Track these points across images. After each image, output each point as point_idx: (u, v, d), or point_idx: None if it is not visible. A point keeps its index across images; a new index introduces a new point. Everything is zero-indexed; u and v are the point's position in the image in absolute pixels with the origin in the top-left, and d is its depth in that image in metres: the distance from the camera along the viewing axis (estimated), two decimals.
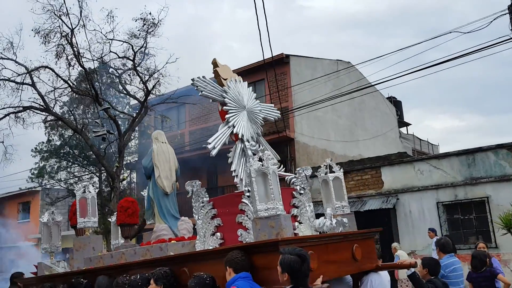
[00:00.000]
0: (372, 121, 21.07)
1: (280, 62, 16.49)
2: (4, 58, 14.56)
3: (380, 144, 20.51)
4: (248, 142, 4.21)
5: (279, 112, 4.98)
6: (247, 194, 3.75)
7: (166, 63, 16.07)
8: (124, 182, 14.71)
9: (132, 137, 15.67)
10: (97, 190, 5.92)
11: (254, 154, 4.06)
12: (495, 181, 11.81)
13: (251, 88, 4.69)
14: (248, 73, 17.13)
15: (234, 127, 4.17)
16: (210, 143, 3.97)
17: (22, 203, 26.16)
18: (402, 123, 26.56)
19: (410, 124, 28.39)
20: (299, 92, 15.05)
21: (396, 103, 25.64)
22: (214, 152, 3.96)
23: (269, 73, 16.91)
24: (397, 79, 12.23)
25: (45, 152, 17.84)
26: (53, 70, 14.78)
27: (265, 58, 10.21)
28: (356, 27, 74.38)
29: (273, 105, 5.07)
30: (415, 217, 12.97)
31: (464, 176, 12.32)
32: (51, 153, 17.86)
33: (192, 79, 4.14)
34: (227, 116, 4.20)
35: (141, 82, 15.43)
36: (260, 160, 3.54)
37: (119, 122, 15.46)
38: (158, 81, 15.61)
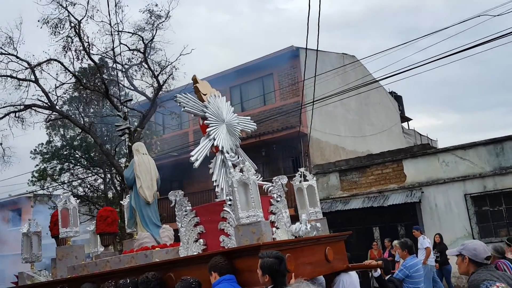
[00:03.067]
0: (377, 116, 22.18)
1: (290, 55, 17.30)
2: (4, 54, 15.19)
3: (385, 139, 21.48)
4: (228, 153, 5.05)
5: (255, 124, 5.79)
6: (229, 202, 4.56)
7: (180, 54, 15.98)
8: None
9: (141, 135, 16.34)
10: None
11: (234, 166, 4.92)
12: None
13: (229, 102, 5.52)
14: (253, 68, 17.96)
15: (214, 139, 5.02)
16: (193, 156, 4.84)
17: (13, 210, 27.75)
18: (403, 118, 27.76)
19: (411, 119, 29.63)
20: (310, 86, 15.87)
21: (397, 98, 26.83)
22: (197, 164, 4.81)
23: (278, 68, 17.72)
24: (398, 75, 12.86)
25: (45, 154, 18.95)
26: (61, 63, 15.41)
27: (307, 46, 10.82)
28: (333, 29, 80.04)
29: (249, 117, 5.90)
30: (441, 210, 13.62)
31: (493, 166, 12.87)
32: (52, 155, 18.86)
33: (175, 96, 5.01)
34: (207, 129, 5.05)
35: (152, 76, 16.20)
36: (241, 171, 4.37)
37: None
38: (171, 74, 16.29)
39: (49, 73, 15.91)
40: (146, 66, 16.37)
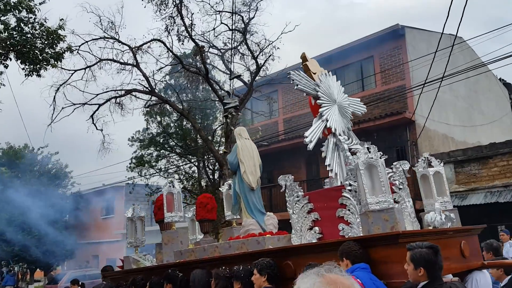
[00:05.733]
0: (487, 104, 20.71)
1: (394, 35, 16.58)
2: (107, 38, 15.73)
3: (497, 131, 19.90)
4: (341, 136, 4.88)
5: (365, 106, 5.54)
6: (349, 188, 4.39)
7: (282, 33, 15.53)
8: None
9: (238, 121, 16.11)
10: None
11: (350, 149, 4.75)
12: None
13: (339, 82, 5.33)
14: (350, 52, 17.43)
15: (327, 121, 4.89)
16: (307, 137, 4.75)
17: (107, 198, 29.62)
18: None
19: None
20: (416, 69, 15.06)
21: (507, 86, 24.66)
22: (311, 146, 4.72)
23: (379, 50, 17.10)
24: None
25: (142, 141, 19.83)
26: (163, 43, 15.90)
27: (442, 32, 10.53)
28: (412, 22, 78.05)
29: (359, 99, 5.65)
30: None
31: None
32: (149, 142, 19.70)
33: (288, 73, 4.95)
34: (320, 110, 4.93)
35: (251, 58, 16.32)
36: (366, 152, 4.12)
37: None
38: (271, 55, 16.24)
39: (152, 54, 16.49)
40: (245, 47, 16.47)
